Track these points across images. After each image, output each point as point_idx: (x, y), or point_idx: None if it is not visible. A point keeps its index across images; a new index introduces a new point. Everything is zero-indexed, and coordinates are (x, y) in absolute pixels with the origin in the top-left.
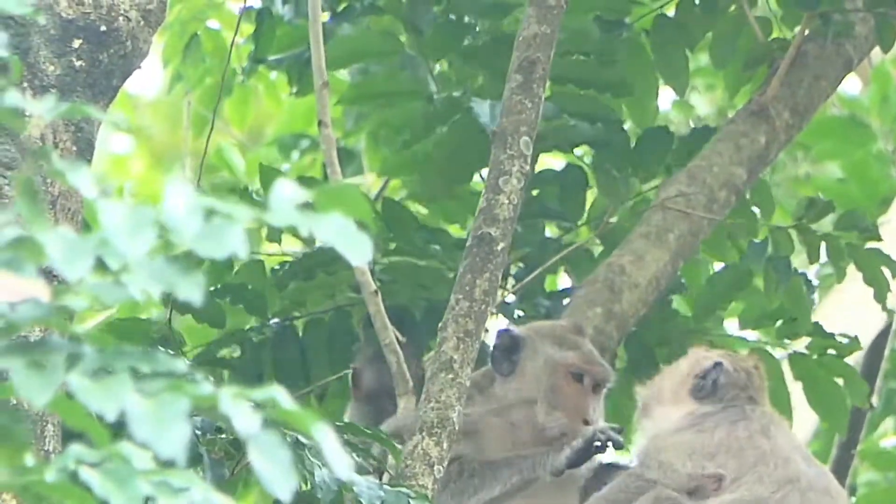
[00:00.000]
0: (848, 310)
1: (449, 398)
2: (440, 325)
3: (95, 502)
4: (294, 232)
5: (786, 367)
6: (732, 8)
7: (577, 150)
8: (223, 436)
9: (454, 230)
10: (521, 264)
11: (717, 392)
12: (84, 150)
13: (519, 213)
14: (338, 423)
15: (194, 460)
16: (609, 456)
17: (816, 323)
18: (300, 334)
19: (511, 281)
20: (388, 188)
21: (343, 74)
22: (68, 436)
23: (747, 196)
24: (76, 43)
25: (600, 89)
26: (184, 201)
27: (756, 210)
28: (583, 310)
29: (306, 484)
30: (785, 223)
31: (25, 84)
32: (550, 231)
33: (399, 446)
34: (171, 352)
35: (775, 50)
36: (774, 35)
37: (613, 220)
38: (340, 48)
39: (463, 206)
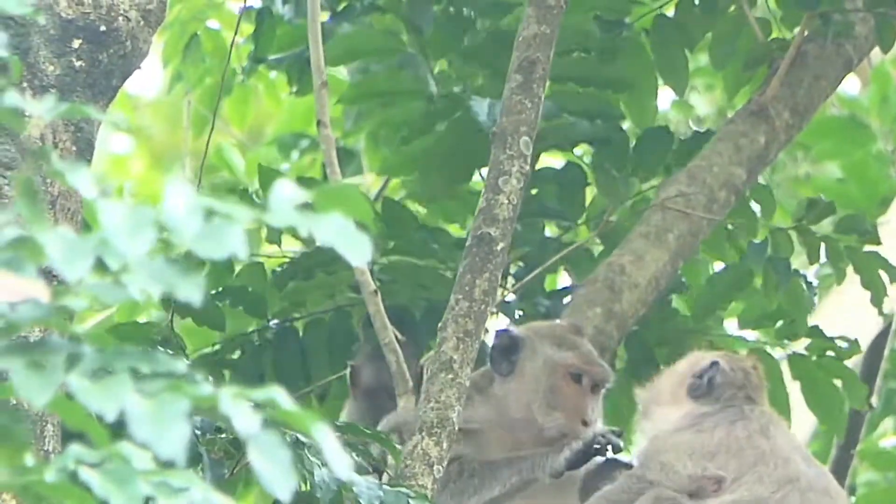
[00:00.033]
0: (848, 311)
1: (449, 398)
2: (440, 325)
3: (95, 502)
4: (294, 232)
5: (784, 368)
6: (732, 8)
7: (577, 150)
8: (223, 436)
9: (454, 229)
10: (520, 263)
11: (713, 391)
12: (84, 150)
13: (518, 213)
14: (338, 424)
15: (194, 460)
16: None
17: (815, 326)
18: (300, 335)
19: (511, 280)
20: (387, 188)
21: (343, 74)
22: (68, 436)
23: (747, 194)
24: (76, 43)
25: (600, 86)
26: (184, 201)
27: (756, 209)
28: (583, 310)
29: (306, 484)
30: (785, 224)
31: (25, 84)
32: (550, 230)
33: (399, 446)
34: (172, 353)
35: (775, 50)
36: (774, 35)
37: (613, 218)
38: (341, 46)
39: (463, 205)
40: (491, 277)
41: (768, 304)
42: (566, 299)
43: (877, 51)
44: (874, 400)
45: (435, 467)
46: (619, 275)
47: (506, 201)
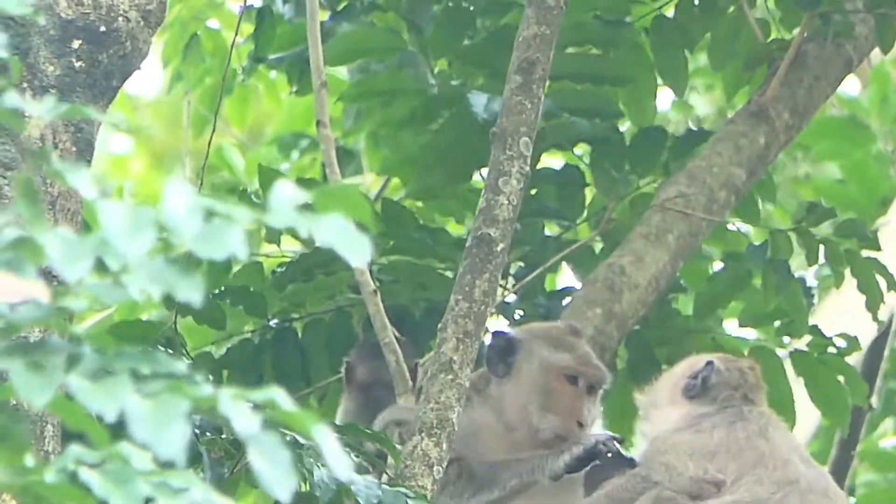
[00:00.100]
0: (846, 314)
1: (448, 399)
2: (440, 325)
3: (95, 503)
4: (293, 233)
5: (787, 366)
6: (732, 9)
7: (576, 150)
8: (223, 436)
9: (453, 228)
10: (521, 263)
11: (708, 391)
12: (84, 150)
13: (518, 213)
14: (338, 424)
15: (194, 460)
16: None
17: (815, 325)
18: (300, 335)
19: (511, 280)
20: (387, 188)
21: (343, 74)
22: (68, 436)
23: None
24: (76, 43)
25: (598, 82)
26: (184, 202)
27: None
28: (583, 310)
29: (305, 484)
30: (784, 225)
31: (25, 84)
32: (549, 230)
33: (398, 446)
34: (174, 353)
35: (775, 50)
36: (774, 36)
37: (614, 216)
38: (341, 45)
39: (463, 204)
40: (491, 278)
41: (767, 303)
42: (566, 300)
43: (877, 51)
44: (874, 400)
45: (435, 468)
46: (619, 275)
47: (506, 202)
